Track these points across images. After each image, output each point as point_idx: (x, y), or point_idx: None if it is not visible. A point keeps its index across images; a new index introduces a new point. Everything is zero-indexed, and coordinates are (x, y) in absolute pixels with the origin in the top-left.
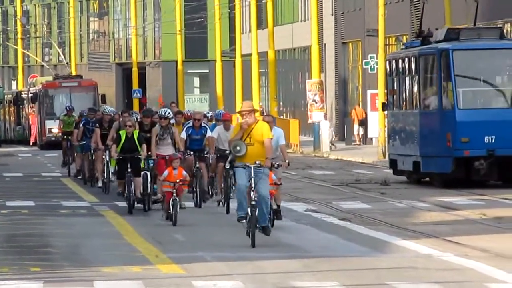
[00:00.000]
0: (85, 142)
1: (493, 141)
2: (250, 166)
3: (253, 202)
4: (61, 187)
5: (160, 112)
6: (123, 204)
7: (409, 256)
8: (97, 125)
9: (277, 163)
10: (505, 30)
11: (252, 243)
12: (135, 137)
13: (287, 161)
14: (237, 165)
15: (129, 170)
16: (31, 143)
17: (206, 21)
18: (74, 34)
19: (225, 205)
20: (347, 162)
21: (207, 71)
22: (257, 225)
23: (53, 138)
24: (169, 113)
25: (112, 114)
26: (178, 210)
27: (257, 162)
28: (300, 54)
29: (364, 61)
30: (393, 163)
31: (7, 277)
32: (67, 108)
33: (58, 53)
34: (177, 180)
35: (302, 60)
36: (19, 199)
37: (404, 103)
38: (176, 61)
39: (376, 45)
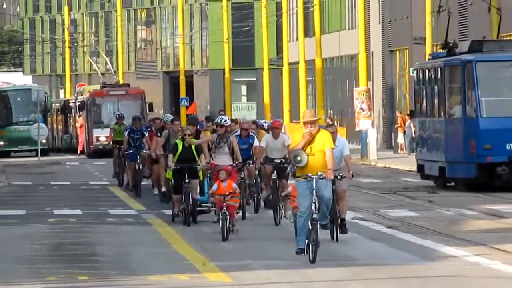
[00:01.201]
0: (131, 151)
1: None
2: (312, 177)
3: (314, 216)
4: (108, 195)
5: (217, 119)
6: (170, 212)
7: (457, 264)
8: (159, 134)
9: (341, 174)
10: None
11: (312, 259)
12: (193, 146)
13: (351, 172)
14: (298, 176)
15: (186, 180)
16: (79, 152)
17: (253, 29)
18: (121, 43)
19: (274, 216)
20: (394, 170)
21: (255, 79)
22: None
23: (100, 147)
24: (225, 120)
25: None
26: (228, 225)
27: (319, 173)
28: (347, 62)
29: (411, 69)
30: (420, 168)
31: (55, 286)
32: (117, 116)
33: (106, 61)
34: (226, 193)
35: (349, 68)
36: (66, 207)
37: (431, 111)
38: (224, 69)
39: (424, 53)
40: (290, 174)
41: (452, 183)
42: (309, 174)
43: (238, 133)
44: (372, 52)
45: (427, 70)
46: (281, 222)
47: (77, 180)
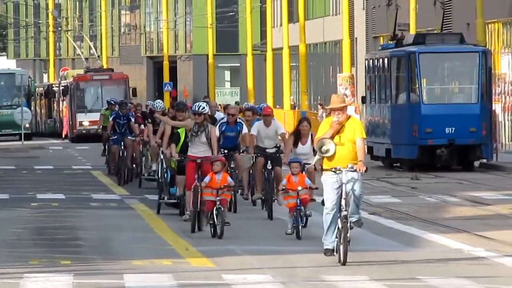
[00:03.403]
0: (115, 137)
1: (453, 131)
2: (342, 169)
3: (344, 213)
4: (91, 180)
5: (194, 107)
6: (153, 197)
7: (440, 250)
8: (149, 120)
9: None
10: None
11: (343, 260)
12: None
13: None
14: (325, 169)
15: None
16: (63, 136)
17: (237, 14)
18: (105, 28)
19: (268, 209)
20: None
21: (238, 64)
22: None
23: (84, 131)
24: (203, 108)
25: (161, 110)
26: (218, 221)
27: (349, 165)
28: (331, 48)
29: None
30: (370, 150)
31: (37, 270)
32: (109, 101)
33: (90, 46)
34: (221, 187)
35: (333, 54)
36: (49, 192)
37: (379, 97)
38: (207, 55)
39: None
40: (315, 167)
41: (398, 164)
42: (338, 167)
43: (225, 120)
44: (356, 38)
45: (376, 60)
46: (274, 218)
47: (60, 165)
